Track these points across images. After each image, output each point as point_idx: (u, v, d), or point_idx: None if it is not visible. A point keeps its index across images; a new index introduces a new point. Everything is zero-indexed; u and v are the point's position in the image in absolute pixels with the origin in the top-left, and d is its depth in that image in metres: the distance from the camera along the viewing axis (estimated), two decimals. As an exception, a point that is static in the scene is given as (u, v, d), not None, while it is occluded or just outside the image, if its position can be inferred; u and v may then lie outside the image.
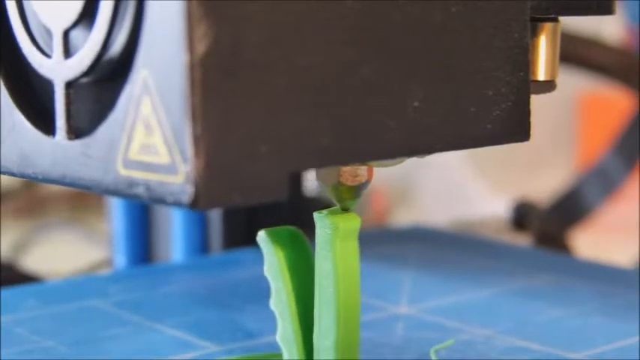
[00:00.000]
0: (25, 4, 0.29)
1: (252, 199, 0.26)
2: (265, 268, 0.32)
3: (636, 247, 0.65)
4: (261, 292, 0.40)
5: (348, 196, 0.31)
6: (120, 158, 0.27)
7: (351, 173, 0.31)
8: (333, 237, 0.31)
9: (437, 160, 1.13)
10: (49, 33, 0.29)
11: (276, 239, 0.32)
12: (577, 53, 0.59)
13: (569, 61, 0.59)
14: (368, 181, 0.31)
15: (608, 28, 1.22)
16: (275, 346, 0.33)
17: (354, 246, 0.31)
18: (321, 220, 0.31)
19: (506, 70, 0.30)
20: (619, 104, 0.79)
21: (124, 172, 0.27)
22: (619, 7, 1.28)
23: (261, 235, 0.32)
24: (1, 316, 0.38)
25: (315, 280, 0.32)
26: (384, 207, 1.09)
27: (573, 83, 1.06)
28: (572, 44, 0.59)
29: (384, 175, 1.01)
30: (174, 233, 0.49)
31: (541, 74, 0.34)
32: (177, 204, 0.25)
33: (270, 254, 0.32)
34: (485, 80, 0.30)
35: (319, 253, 0.31)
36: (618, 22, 1.30)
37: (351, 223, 0.31)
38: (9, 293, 0.40)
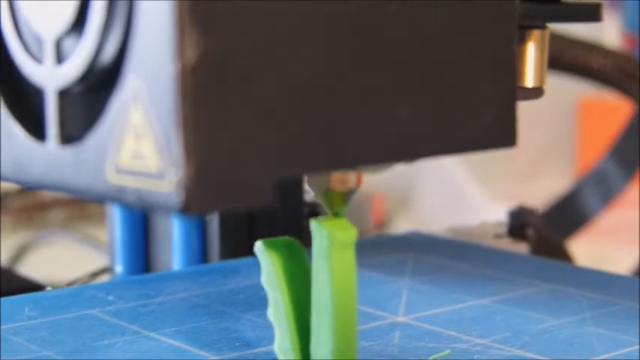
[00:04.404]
0: (17, 11, 0.30)
1: (241, 204, 0.26)
2: (263, 278, 0.33)
3: (636, 253, 0.65)
4: (258, 300, 0.40)
5: (337, 202, 0.32)
6: (110, 165, 0.27)
7: (340, 179, 0.31)
8: (330, 247, 0.31)
9: (436, 167, 1.13)
10: (40, 41, 0.29)
11: (273, 249, 0.32)
12: (575, 58, 0.59)
13: (568, 66, 0.59)
14: (357, 187, 0.32)
15: (608, 35, 1.22)
16: (273, 355, 0.33)
17: (350, 256, 0.31)
18: (317, 230, 0.31)
19: (494, 77, 0.30)
20: (620, 110, 0.79)
21: (114, 179, 0.27)
22: (618, 14, 1.28)
23: (259, 246, 0.32)
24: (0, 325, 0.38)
25: (312, 289, 0.32)
26: (384, 214, 1.09)
27: (573, 89, 1.06)
28: (570, 49, 0.59)
29: (384, 183, 1.01)
30: (172, 244, 0.49)
31: (529, 81, 0.35)
32: (167, 210, 0.25)
33: (268, 264, 0.32)
34: (473, 87, 0.30)
35: (316, 263, 0.31)
36: (618, 30, 1.30)
37: (348, 233, 0.31)
38: (6, 302, 0.40)
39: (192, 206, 0.25)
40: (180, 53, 0.25)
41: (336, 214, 0.32)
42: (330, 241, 0.31)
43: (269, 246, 0.32)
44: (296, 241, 0.33)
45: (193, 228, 0.49)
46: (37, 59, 0.29)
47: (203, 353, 0.35)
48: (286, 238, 0.33)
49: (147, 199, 0.26)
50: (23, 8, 0.29)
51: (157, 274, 0.48)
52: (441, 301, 0.41)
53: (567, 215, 0.72)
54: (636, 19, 1.28)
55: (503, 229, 0.53)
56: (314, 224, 0.31)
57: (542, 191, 0.86)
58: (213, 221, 0.49)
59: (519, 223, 0.52)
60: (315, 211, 0.50)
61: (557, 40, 0.58)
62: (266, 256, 0.32)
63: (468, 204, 1.10)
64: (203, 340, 0.37)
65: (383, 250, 0.49)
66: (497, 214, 0.58)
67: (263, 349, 0.36)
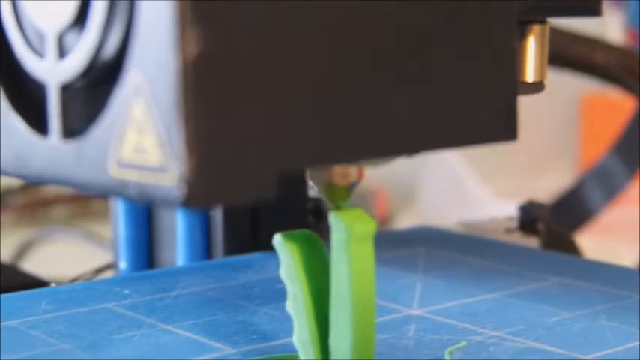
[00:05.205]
0: (19, 6, 0.30)
1: (243, 198, 0.27)
2: (281, 270, 0.33)
3: (638, 250, 0.65)
4: (273, 293, 0.41)
5: (339, 196, 0.32)
6: (113, 159, 0.27)
7: (342, 173, 0.31)
8: (349, 240, 0.31)
9: (439, 164, 1.13)
10: (42, 35, 0.29)
11: (292, 242, 0.32)
12: (578, 54, 0.59)
13: (571, 62, 0.59)
14: (358, 181, 0.32)
15: (611, 32, 1.23)
16: (291, 348, 0.34)
17: (369, 249, 0.32)
18: (336, 222, 0.31)
19: (494, 71, 0.30)
20: (623, 106, 0.79)
21: (117, 173, 0.27)
22: (621, 11, 1.28)
23: (278, 239, 0.33)
24: (17, 319, 0.38)
25: (331, 282, 0.32)
26: (387, 210, 1.10)
27: (576, 85, 1.06)
28: (573, 45, 0.59)
29: (388, 180, 1.01)
30: (176, 239, 0.50)
31: (529, 76, 0.35)
32: (169, 204, 0.26)
33: (287, 257, 0.32)
34: (473, 82, 0.30)
35: (335, 256, 0.32)
36: (621, 26, 1.30)
37: (367, 225, 0.31)
38: (22, 296, 0.41)
39: (194, 200, 0.25)
40: (182, 48, 0.25)
41: (337, 208, 0.32)
42: (348, 234, 0.31)
43: (288, 239, 0.33)
44: (314, 234, 0.33)
45: (197, 224, 0.49)
46: (40, 54, 0.29)
47: (220, 346, 0.36)
48: (305, 230, 0.33)
49: (149, 193, 0.26)
50: (25, 3, 0.29)
51: (171, 268, 0.48)
52: (454, 295, 0.41)
53: (570, 212, 0.72)
54: (637, 16, 1.28)
55: (514, 224, 0.53)
56: (333, 217, 0.32)
57: (545, 187, 0.87)
58: (217, 217, 0.49)
59: (530, 217, 0.52)
60: (318, 207, 0.50)
61: (560, 35, 0.58)
62: (285, 249, 0.33)
63: (471, 201, 1.11)
64: (220, 333, 0.37)
65: (394, 245, 0.49)
66: (500, 210, 0.58)
67: (280, 341, 0.36)
